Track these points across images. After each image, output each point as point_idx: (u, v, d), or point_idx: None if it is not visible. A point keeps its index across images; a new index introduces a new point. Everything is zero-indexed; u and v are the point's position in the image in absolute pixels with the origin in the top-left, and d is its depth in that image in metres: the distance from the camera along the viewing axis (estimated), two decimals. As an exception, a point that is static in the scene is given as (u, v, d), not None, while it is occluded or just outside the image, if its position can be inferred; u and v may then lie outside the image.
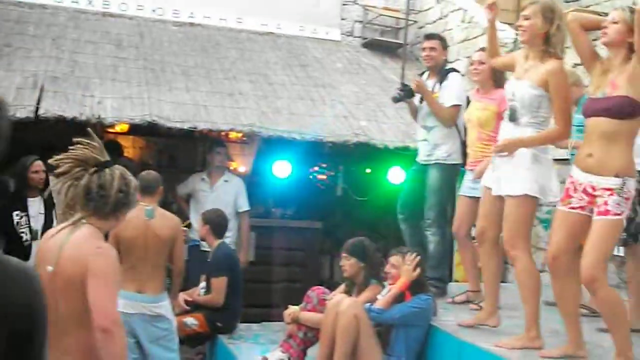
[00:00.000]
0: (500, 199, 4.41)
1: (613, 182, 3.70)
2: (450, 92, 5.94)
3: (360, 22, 11.32)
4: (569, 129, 4.31)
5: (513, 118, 4.31)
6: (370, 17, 11.25)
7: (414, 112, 6.29)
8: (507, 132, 4.35)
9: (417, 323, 5.13)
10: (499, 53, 4.89)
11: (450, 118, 5.92)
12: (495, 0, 4.61)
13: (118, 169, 3.19)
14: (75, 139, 3.18)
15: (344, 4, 11.23)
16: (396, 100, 6.26)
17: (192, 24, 10.32)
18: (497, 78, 5.56)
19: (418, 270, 5.19)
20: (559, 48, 4.19)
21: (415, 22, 11.15)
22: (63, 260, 3.00)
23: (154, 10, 10.24)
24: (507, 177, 4.33)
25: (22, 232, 6.26)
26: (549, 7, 4.20)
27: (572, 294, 4.00)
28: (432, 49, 6.06)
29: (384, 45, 11.02)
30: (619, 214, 3.68)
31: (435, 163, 5.96)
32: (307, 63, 10.01)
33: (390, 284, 5.30)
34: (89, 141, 3.17)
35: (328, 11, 11.13)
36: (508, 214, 4.34)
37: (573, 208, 3.85)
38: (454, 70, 6.14)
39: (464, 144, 5.92)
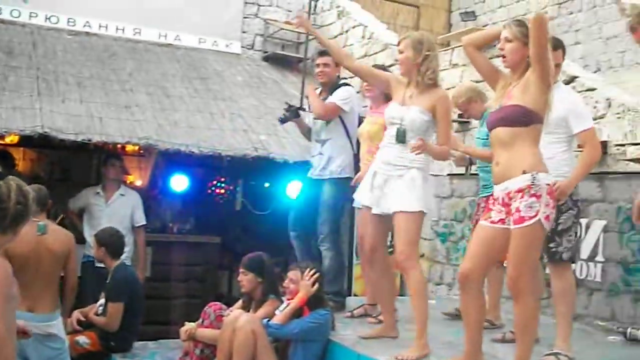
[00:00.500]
0: (382, 217, 4.69)
1: (522, 179, 3.73)
2: (333, 96, 5.97)
3: (262, 35, 11.27)
4: (450, 148, 4.78)
5: (402, 140, 4.59)
6: (272, 30, 11.23)
7: (305, 131, 6.34)
8: (396, 152, 4.63)
9: (315, 338, 5.13)
10: (347, 59, 5.22)
11: (325, 112, 5.94)
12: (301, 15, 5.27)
13: (13, 180, 3.02)
14: None
15: (245, 17, 11.17)
16: (282, 121, 6.30)
17: (88, 34, 10.03)
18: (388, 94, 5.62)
19: (316, 285, 5.17)
20: (433, 75, 4.59)
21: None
22: None
23: (48, 18, 9.89)
24: (399, 194, 4.54)
25: None
26: (417, 39, 4.64)
27: (478, 307, 4.03)
28: (325, 65, 6.07)
29: (284, 59, 11.02)
30: (533, 216, 3.68)
31: (330, 178, 5.97)
32: (207, 76, 9.88)
33: (288, 299, 5.27)
34: None
35: (229, 24, 11.04)
36: (402, 230, 4.55)
37: (493, 222, 3.87)
38: (346, 84, 6.18)
39: (356, 157, 6.00)
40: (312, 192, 6.07)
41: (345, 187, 5.93)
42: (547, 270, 4.85)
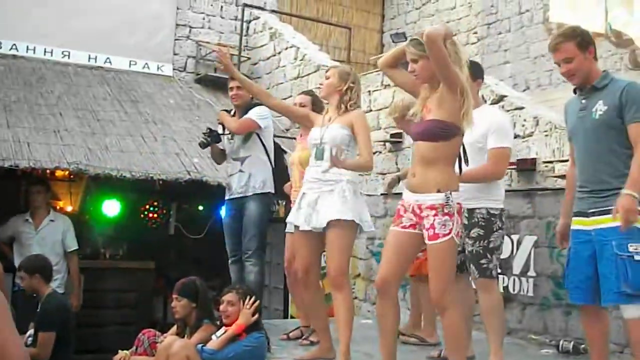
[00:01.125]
0: (314, 234, 4.75)
1: (436, 197, 3.80)
2: (249, 113, 6.02)
3: (194, 57, 11.24)
4: (372, 159, 4.89)
5: (321, 157, 4.75)
6: (204, 52, 11.20)
7: (217, 155, 6.38)
8: (315, 170, 4.77)
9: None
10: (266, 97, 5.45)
11: (240, 126, 6.00)
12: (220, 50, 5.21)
13: None
14: None
15: (176, 39, 11.11)
16: (204, 145, 6.27)
17: (14, 56, 9.83)
18: None
19: (256, 315, 5.13)
20: (354, 105, 4.87)
21: (249, 58, 11.23)
22: None
23: (-28, 41, 9.70)
24: (331, 205, 4.65)
25: None
26: (345, 71, 5.00)
27: (395, 313, 4.05)
28: (238, 87, 6.10)
29: (217, 81, 10.95)
30: (447, 234, 3.77)
31: (253, 194, 6.00)
32: (138, 99, 9.78)
33: (226, 323, 5.18)
34: None
35: (160, 46, 10.97)
36: (336, 243, 4.66)
37: (404, 227, 3.92)
38: (260, 104, 6.22)
39: (274, 173, 6.10)
40: (237, 213, 6.09)
41: (268, 201, 6.06)
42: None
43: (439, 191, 3.81)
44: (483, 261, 4.65)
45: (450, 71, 3.78)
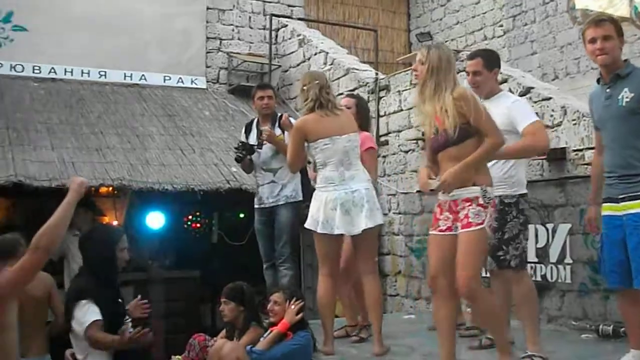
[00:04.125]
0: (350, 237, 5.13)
1: (472, 190, 3.97)
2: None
3: (226, 68, 11.47)
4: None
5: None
6: (235, 63, 11.43)
7: (247, 165, 6.50)
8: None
9: (301, 358, 5.16)
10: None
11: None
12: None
13: None
14: None
15: (208, 52, 11.37)
16: (240, 160, 6.42)
17: (53, 79, 10.17)
18: (362, 122, 5.82)
19: (301, 314, 5.28)
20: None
21: (280, 66, 11.41)
22: None
23: (13, 67, 10.04)
24: (369, 211, 4.97)
25: None
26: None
27: (449, 310, 4.13)
28: (269, 97, 6.39)
29: (249, 90, 11.12)
30: (480, 224, 3.92)
31: (285, 203, 6.21)
32: (174, 113, 10.04)
33: (273, 322, 5.33)
34: None
35: (192, 60, 11.24)
36: (371, 244, 5.19)
37: (441, 231, 4.07)
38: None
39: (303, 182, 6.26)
40: (270, 219, 6.30)
41: (298, 207, 6.19)
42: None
43: (474, 184, 3.96)
44: (499, 253, 4.70)
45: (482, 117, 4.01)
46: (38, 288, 5.36)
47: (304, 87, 5.17)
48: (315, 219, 5.09)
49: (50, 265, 7.64)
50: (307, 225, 5.21)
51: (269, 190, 6.30)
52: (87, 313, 4.60)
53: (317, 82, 5.17)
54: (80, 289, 4.77)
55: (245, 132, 6.63)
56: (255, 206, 6.47)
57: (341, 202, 5.00)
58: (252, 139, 6.46)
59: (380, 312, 5.30)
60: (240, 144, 6.44)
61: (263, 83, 6.67)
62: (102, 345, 4.66)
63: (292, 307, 5.29)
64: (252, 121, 6.67)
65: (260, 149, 6.32)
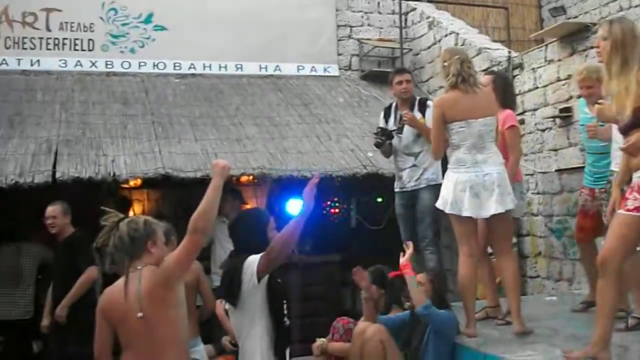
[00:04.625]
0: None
1: None
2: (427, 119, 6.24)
3: (357, 55, 11.58)
4: None
5: None
6: (366, 49, 11.52)
7: (387, 150, 6.63)
8: None
9: (448, 333, 5.11)
10: None
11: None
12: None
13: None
14: None
15: (339, 40, 11.51)
16: (380, 145, 6.55)
17: (193, 75, 10.62)
18: (502, 99, 5.74)
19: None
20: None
21: (410, 49, 11.42)
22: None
23: (155, 65, 10.55)
24: (499, 195, 5.03)
25: None
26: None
27: (614, 294, 4.02)
28: (407, 81, 6.48)
29: (382, 76, 11.22)
30: None
31: (427, 185, 6.32)
32: (309, 101, 10.25)
33: (413, 305, 5.36)
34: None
35: (324, 48, 11.41)
36: (506, 226, 5.23)
37: (628, 210, 3.94)
38: (423, 98, 6.46)
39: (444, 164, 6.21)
40: (410, 203, 6.43)
41: (439, 190, 6.16)
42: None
43: None
44: None
45: None
46: (187, 274, 5.65)
47: (445, 63, 5.20)
48: (445, 199, 5.14)
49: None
50: (437, 204, 5.26)
51: (410, 174, 6.40)
52: None
53: (457, 57, 5.19)
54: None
55: (384, 117, 6.72)
56: (396, 190, 6.57)
57: (471, 184, 5.01)
58: (391, 124, 6.55)
59: (518, 292, 5.27)
60: (379, 129, 6.55)
61: (400, 67, 6.73)
62: None
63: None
64: (390, 106, 6.76)
65: (401, 133, 6.40)
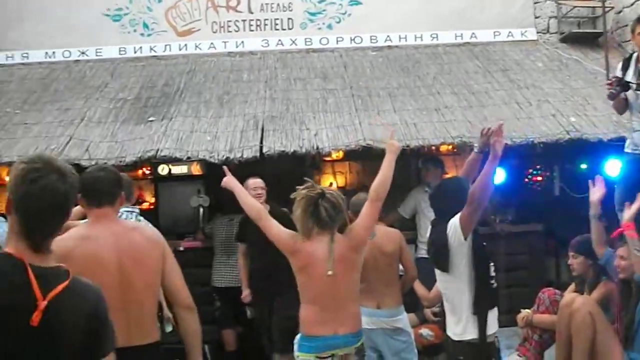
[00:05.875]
0: None
1: None
2: None
3: (555, 17, 11.14)
4: None
5: None
6: (565, 10, 11.06)
7: (620, 105, 6.08)
8: None
9: None
10: None
11: None
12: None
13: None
14: None
15: (535, 2, 11.14)
16: (613, 96, 5.96)
17: (389, 47, 10.72)
18: None
19: None
20: None
21: (612, 7, 10.83)
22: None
23: (352, 39, 10.75)
24: None
25: None
26: None
27: None
28: None
29: (582, 37, 10.78)
30: None
31: None
32: (507, 67, 10.04)
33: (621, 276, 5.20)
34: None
35: (521, 12, 11.09)
36: None
37: None
38: None
39: None
40: (636, 167, 5.91)
41: None
42: None
43: None
44: None
45: None
46: (388, 245, 5.78)
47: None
48: None
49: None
50: None
51: None
52: None
53: None
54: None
55: (622, 68, 6.14)
56: (627, 151, 6.12)
57: None
58: (630, 76, 5.97)
59: None
60: (614, 78, 5.99)
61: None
62: None
63: None
64: (630, 56, 6.14)
65: (638, 89, 5.84)
